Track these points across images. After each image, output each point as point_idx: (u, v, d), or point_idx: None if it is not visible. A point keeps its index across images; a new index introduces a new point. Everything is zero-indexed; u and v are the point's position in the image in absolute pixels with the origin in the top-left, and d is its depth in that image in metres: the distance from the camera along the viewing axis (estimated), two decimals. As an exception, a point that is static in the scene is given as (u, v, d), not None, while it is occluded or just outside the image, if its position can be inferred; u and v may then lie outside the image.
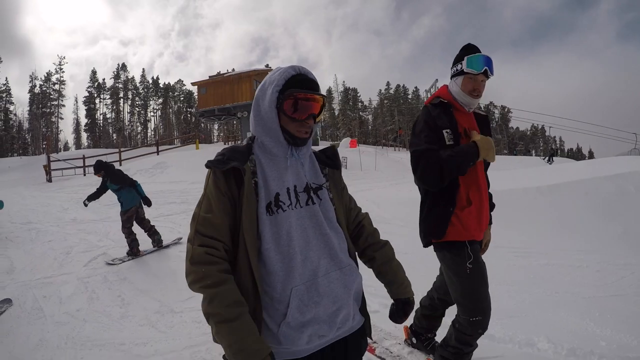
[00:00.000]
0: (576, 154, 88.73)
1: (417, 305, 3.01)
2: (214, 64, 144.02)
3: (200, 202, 1.49)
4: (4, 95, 64.01)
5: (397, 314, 1.72)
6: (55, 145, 56.60)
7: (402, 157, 28.21)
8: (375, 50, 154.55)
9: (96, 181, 18.33)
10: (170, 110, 77.45)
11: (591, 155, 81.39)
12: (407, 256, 3.39)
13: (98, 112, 72.95)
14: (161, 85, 77.27)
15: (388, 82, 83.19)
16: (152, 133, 75.68)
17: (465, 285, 2.36)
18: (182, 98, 76.91)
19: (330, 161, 1.69)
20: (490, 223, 2.69)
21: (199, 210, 1.47)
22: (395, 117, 72.42)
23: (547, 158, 37.74)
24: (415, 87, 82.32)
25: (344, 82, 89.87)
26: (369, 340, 2.84)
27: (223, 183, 1.44)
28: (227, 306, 1.32)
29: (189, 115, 75.76)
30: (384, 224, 7.02)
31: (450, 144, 2.33)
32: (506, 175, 11.74)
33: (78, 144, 70.75)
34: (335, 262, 1.52)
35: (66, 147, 66.62)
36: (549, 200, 7.47)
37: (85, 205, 7.00)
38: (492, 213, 2.75)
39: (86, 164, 23.84)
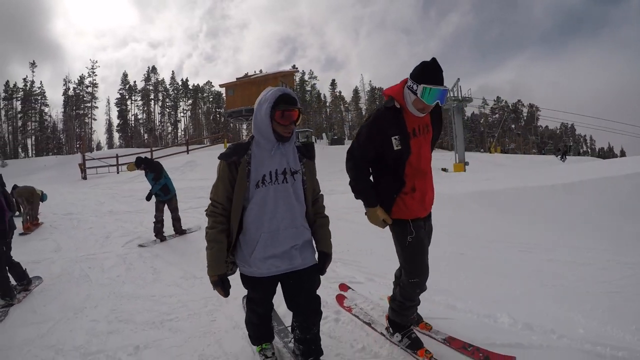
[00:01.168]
0: (607, 153, 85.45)
1: (393, 278, 3.43)
2: (242, 65, 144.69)
3: (216, 181, 2.46)
4: (39, 98, 67.35)
5: (319, 262, 2.61)
6: (89, 145, 59.27)
7: None
8: (403, 48, 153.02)
9: (129, 178, 19.70)
10: (200, 110, 79.50)
11: (623, 155, 78.38)
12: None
13: (129, 113, 75.70)
14: (190, 87, 79.43)
15: None
16: (182, 133, 77.94)
17: (407, 254, 2.87)
18: (211, 99, 78.84)
19: (307, 153, 2.56)
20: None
21: (213, 185, 2.47)
22: None
23: (560, 155, 37.03)
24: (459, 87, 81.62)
25: (370, 81, 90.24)
26: (345, 300, 3.65)
27: (227, 170, 2.38)
28: (209, 241, 2.42)
29: (218, 116, 77.46)
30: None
31: (398, 148, 2.72)
32: (526, 174, 11.94)
33: (110, 144, 73.64)
34: (293, 223, 2.45)
35: (99, 147, 69.41)
36: (564, 198, 7.46)
37: (148, 200, 8.03)
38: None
39: (119, 163, 25.23)
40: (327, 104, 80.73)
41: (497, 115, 79.50)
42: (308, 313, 2.61)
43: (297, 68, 69.09)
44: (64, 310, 4.17)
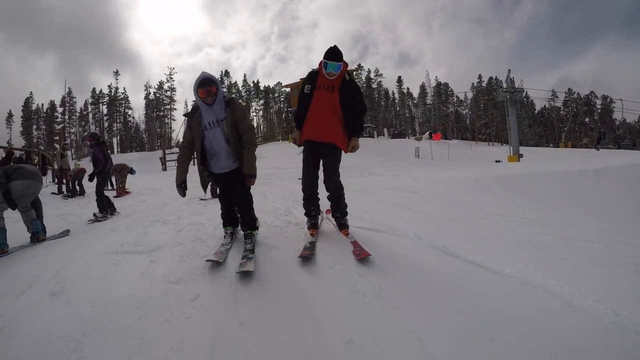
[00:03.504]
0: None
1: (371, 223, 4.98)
2: (315, 64, 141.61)
3: (184, 129, 4.52)
4: (123, 102, 74.66)
5: (243, 179, 4.25)
6: (169, 142, 64.83)
7: (480, 150, 28.89)
8: (478, 40, 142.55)
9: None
10: (272, 110, 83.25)
11: None
12: (409, 211, 6.07)
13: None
14: (262, 88, 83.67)
15: (480, 74, 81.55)
16: (255, 131, 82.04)
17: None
18: (282, 99, 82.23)
19: (227, 106, 4.18)
20: (356, 135, 4.51)
21: (184, 131, 4.53)
22: (489, 111, 70.69)
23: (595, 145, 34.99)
24: (511, 78, 76.33)
25: (436, 77, 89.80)
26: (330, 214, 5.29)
27: (189, 122, 4.27)
28: (179, 162, 4.45)
29: (289, 115, 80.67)
30: (412, 192, 8.22)
31: (307, 93, 4.46)
32: (573, 162, 11.58)
33: (188, 142, 79.09)
34: (223, 152, 4.21)
35: (178, 144, 74.94)
36: (591, 183, 7.47)
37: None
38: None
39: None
40: (396, 101, 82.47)
41: (569, 109, 75.72)
42: (239, 195, 4.48)
43: (362, 67, 71.94)
44: (145, 215, 7.01)
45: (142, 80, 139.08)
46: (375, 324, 2.65)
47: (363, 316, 2.76)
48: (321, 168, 4.60)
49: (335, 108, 4.39)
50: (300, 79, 39.71)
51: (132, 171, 13.00)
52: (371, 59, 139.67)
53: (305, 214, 4.80)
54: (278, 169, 18.94)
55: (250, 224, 4.53)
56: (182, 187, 4.36)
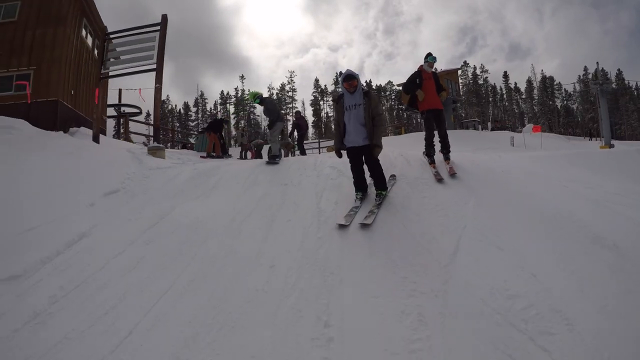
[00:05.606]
0: None
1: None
2: (421, 60, 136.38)
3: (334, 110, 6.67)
4: (248, 102, 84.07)
5: (370, 148, 5.66)
6: (291, 136, 71.61)
7: (577, 143, 29.62)
8: (593, 26, 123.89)
9: (330, 155, 27.06)
10: (383, 107, 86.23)
11: None
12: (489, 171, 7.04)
13: (322, 111, 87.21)
14: (374, 87, 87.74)
15: (585, 66, 74.85)
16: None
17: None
18: (392, 97, 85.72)
19: (365, 94, 5.73)
20: (444, 90, 7.23)
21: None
22: (595, 105, 62.96)
23: None
24: (619, 70, 73.21)
25: (542, 70, 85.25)
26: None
27: (336, 106, 6.05)
28: (335, 134, 6.21)
29: (400, 112, 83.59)
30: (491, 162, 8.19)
31: (418, 83, 7.07)
32: None
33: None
34: (358, 127, 5.69)
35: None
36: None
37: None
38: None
39: (320, 146, 34.66)
40: (504, 96, 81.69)
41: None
42: (370, 164, 5.77)
43: (467, 63, 75.78)
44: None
45: (252, 81, 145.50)
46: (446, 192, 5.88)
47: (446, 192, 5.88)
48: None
49: (434, 88, 7.16)
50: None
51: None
52: (480, 52, 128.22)
53: (426, 154, 7.18)
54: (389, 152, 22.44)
55: (380, 185, 5.78)
56: (339, 152, 5.92)
